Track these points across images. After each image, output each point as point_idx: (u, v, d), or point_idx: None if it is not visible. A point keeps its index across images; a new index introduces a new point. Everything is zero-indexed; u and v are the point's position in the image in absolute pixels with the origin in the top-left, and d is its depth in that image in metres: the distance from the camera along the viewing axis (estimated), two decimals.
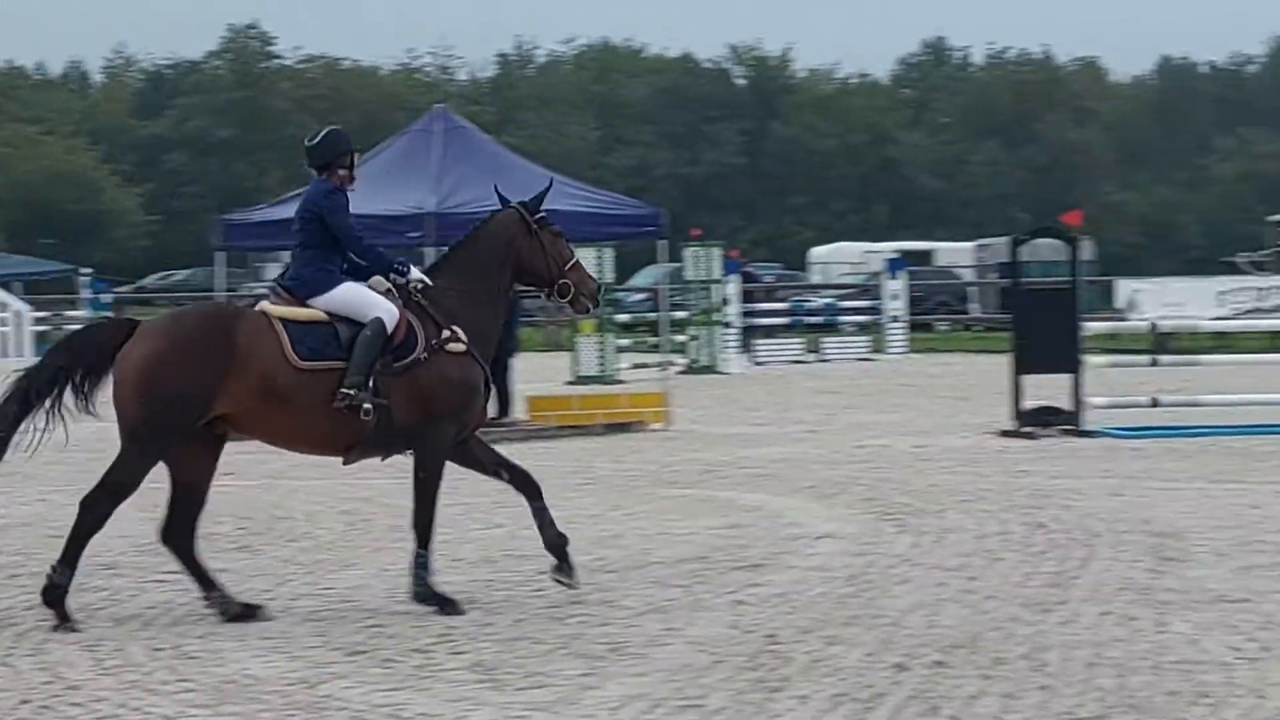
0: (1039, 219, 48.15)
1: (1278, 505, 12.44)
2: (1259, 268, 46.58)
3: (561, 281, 9.83)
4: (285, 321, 9.35)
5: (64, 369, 9.23)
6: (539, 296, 10.12)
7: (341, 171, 9.74)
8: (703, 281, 31.00)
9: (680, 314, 30.66)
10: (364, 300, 9.49)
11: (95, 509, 9.03)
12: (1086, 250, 30.80)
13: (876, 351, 35.82)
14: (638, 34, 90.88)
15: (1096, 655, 7.83)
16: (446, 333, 9.43)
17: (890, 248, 49.59)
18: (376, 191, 18.75)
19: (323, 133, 10.00)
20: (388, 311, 9.42)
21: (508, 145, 24.22)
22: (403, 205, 18.38)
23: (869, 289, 39.60)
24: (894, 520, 12.04)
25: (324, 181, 9.72)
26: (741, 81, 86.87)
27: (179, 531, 9.23)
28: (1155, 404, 18.31)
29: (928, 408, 22.26)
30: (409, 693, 7.47)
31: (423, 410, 9.35)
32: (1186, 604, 8.93)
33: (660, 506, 13.01)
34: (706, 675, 7.64)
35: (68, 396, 9.21)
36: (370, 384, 9.23)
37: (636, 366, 26.34)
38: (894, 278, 37.76)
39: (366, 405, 9.19)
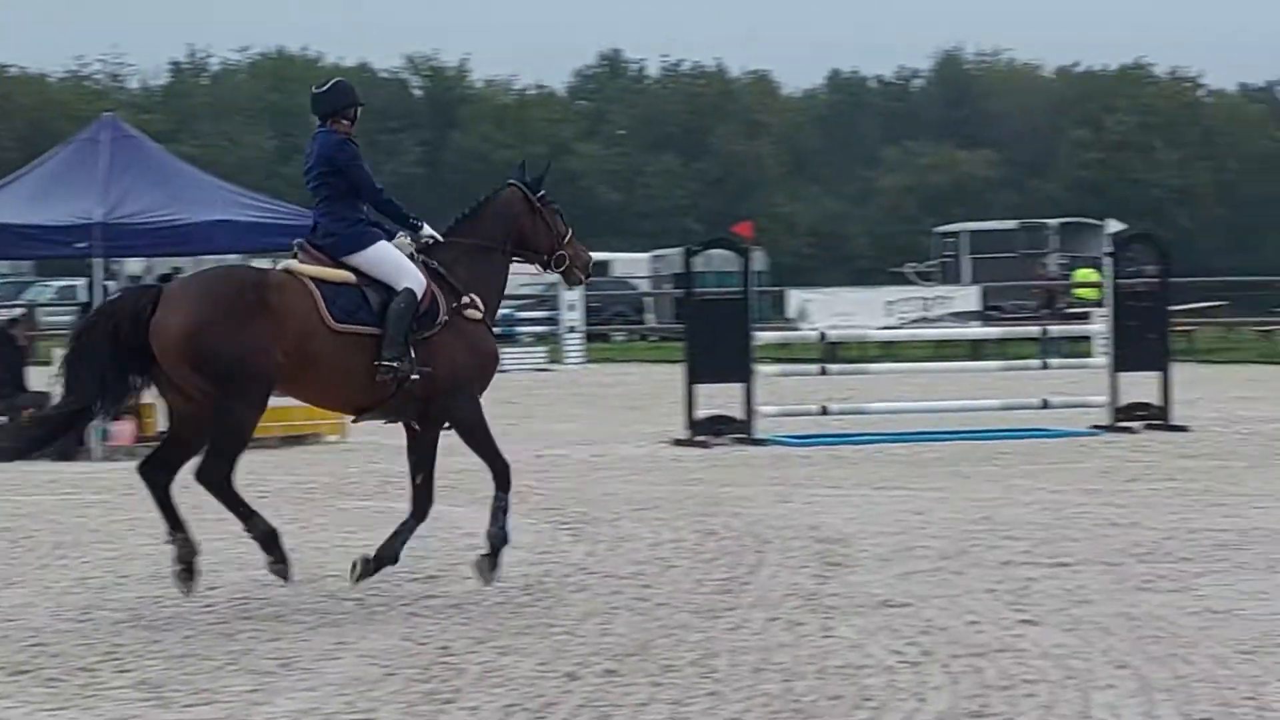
0: (712, 230, 48.89)
1: (940, 511, 12.80)
2: (925, 278, 47.90)
3: (559, 253, 10.38)
4: (317, 281, 9.52)
5: (110, 344, 9.25)
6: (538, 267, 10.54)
7: (345, 122, 9.92)
8: None
9: None
10: (397, 265, 9.71)
11: (212, 476, 9.27)
12: (758, 261, 31.40)
13: (554, 362, 36.02)
14: (314, 43, 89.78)
15: (764, 660, 7.98)
16: (465, 299, 9.80)
17: None
18: (42, 201, 18.35)
19: (331, 81, 10.23)
20: (417, 281, 9.66)
21: (181, 155, 23.79)
22: (69, 215, 18.00)
23: (546, 299, 39.78)
24: (570, 529, 12.13)
25: (331, 132, 9.87)
26: (419, 92, 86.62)
27: (161, 468, 9.39)
28: (824, 412, 18.68)
29: (604, 417, 22.46)
30: (74, 712, 7.33)
31: (443, 377, 9.63)
32: (851, 609, 9.14)
33: (337, 519, 12.92)
34: (378, 688, 7.61)
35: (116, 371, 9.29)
36: (411, 353, 9.51)
37: None
38: (570, 288, 37.95)
39: (414, 375, 9.50)
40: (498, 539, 9.77)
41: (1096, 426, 18.79)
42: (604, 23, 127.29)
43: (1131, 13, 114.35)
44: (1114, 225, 20.44)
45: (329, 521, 12.79)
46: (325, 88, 10.10)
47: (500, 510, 9.79)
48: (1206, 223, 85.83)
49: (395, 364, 9.45)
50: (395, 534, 9.78)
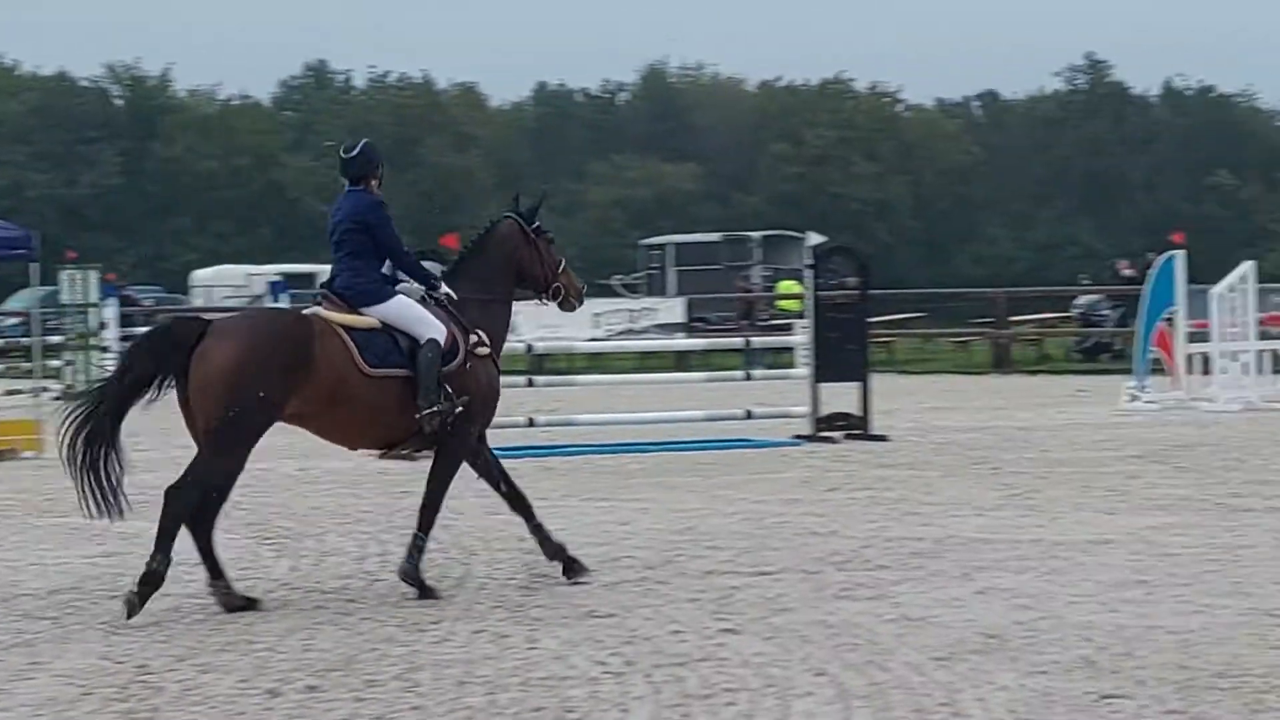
0: (423, 242, 48.70)
1: (645, 522, 12.92)
2: (631, 290, 48.26)
3: (555, 285, 10.98)
4: (348, 329, 10.04)
5: (152, 370, 9.71)
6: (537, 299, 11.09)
7: (374, 183, 10.48)
8: (79, 305, 30.13)
9: (56, 339, 29.77)
10: (416, 316, 10.26)
11: (180, 500, 9.52)
12: None
13: None
14: (10, 51, 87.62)
15: (467, 673, 7.98)
16: (474, 338, 10.36)
17: (274, 270, 49.35)
18: None
19: (359, 145, 10.62)
20: (438, 330, 10.19)
21: None
22: None
23: None
24: (273, 544, 12.00)
25: (365, 193, 10.42)
26: (120, 101, 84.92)
27: (201, 519, 9.73)
28: (531, 424, 18.73)
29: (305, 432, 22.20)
30: None
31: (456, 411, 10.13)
32: (557, 620, 9.19)
33: (34, 536, 12.62)
34: (73, 709, 7.46)
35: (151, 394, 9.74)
36: (447, 390, 10.09)
37: (9, 393, 25.42)
38: (276, 299, 37.55)
39: (456, 409, 10.08)
40: (410, 576, 10.05)
41: (798, 436, 19.12)
42: (308, 32, 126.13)
43: (832, 29, 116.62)
44: (814, 238, 20.71)
45: (25, 539, 12.48)
46: (355, 152, 10.54)
47: (417, 549, 10.11)
48: (904, 235, 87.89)
49: (437, 409, 10.03)
50: (541, 542, 10.46)
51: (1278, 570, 10.15)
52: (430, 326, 10.19)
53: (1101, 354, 36.66)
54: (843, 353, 19.46)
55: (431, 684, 7.79)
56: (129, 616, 9.25)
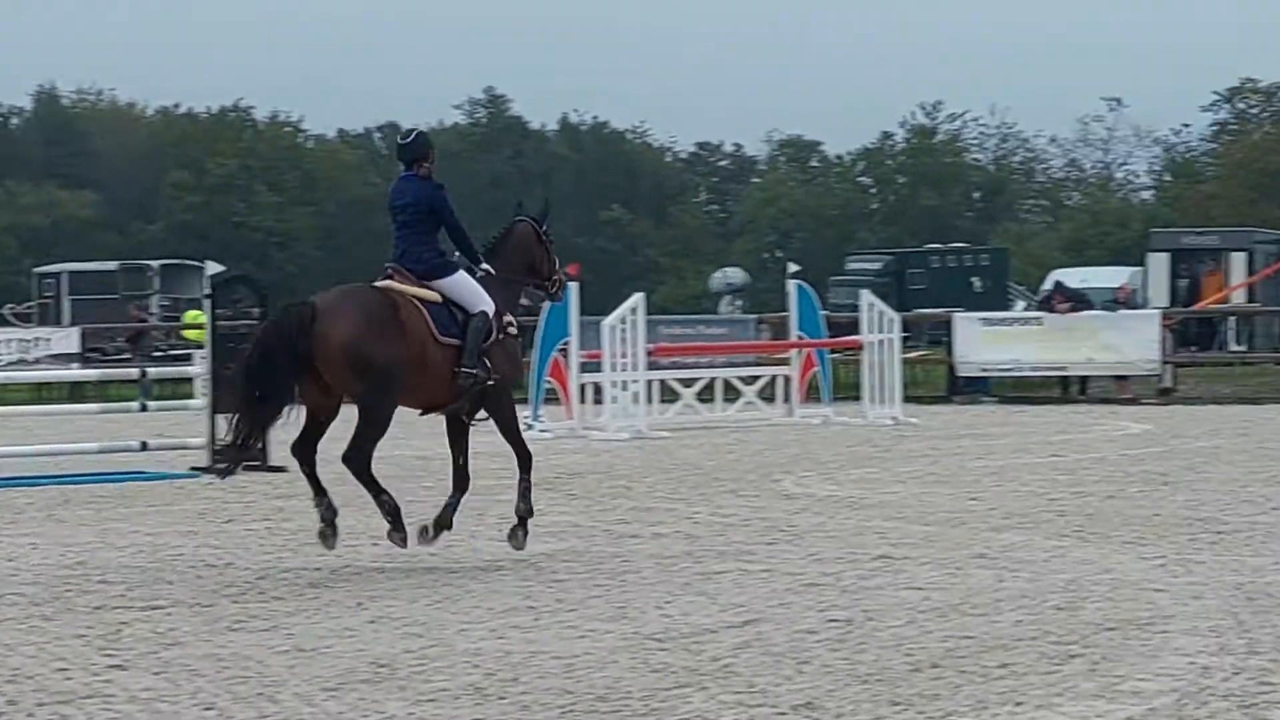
0: None
1: (33, 557, 12.56)
2: (23, 319, 46.75)
3: (556, 278, 12.76)
4: (420, 301, 11.68)
5: (286, 350, 11.24)
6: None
7: (427, 165, 12.05)
8: None
9: None
10: (474, 291, 11.95)
11: (358, 462, 11.58)
12: None
13: None
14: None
15: None
16: (507, 319, 12.09)
17: None
18: None
19: (414, 133, 12.64)
20: (489, 304, 11.92)
21: None
22: None
23: None
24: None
25: (428, 179, 12.01)
26: None
27: (306, 446, 11.68)
28: None
29: None
30: None
31: (495, 380, 11.88)
32: None
33: None
34: None
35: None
36: (486, 362, 11.81)
37: None
38: None
39: (489, 381, 11.81)
40: (525, 512, 12.08)
41: (195, 468, 18.87)
42: None
43: (231, 57, 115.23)
44: (213, 267, 20.48)
45: None
46: (410, 139, 12.35)
47: (526, 489, 12.07)
48: (308, 266, 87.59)
49: (474, 372, 11.70)
50: (448, 505, 12.01)
51: (659, 595, 10.55)
52: (483, 300, 11.94)
53: None
54: None
55: None
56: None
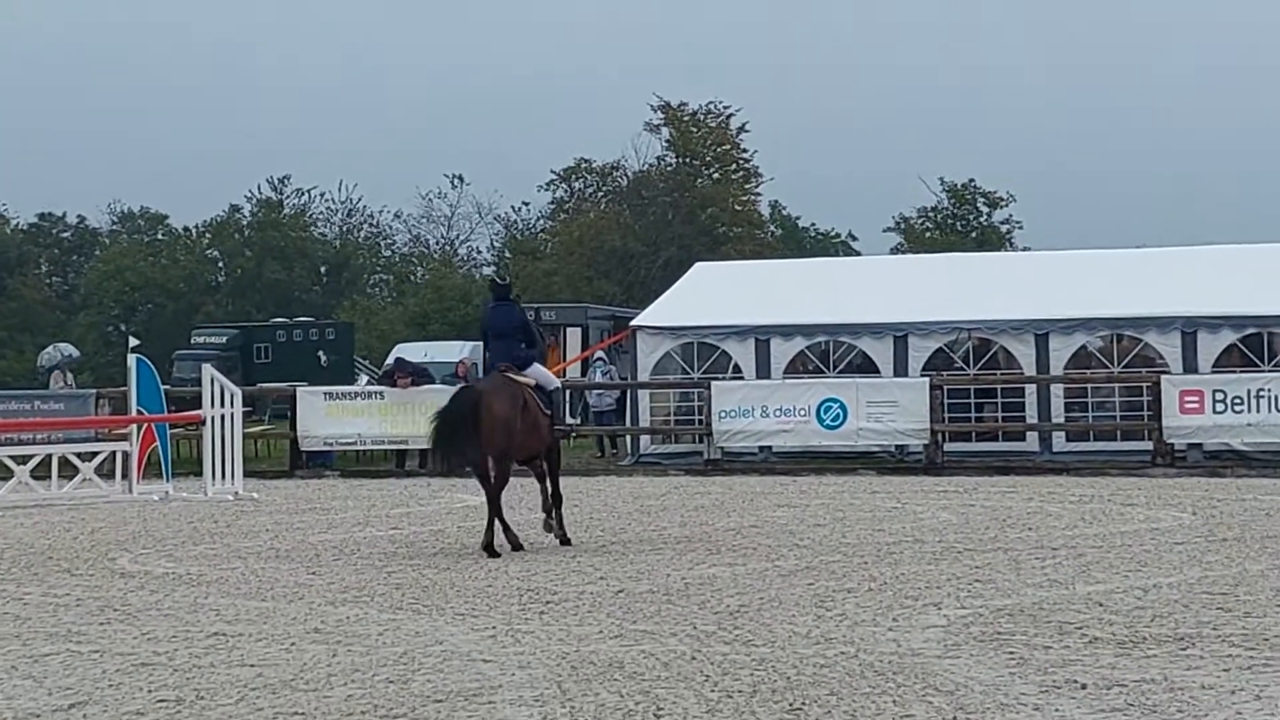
0: None
1: None
2: None
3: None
4: (529, 387, 17.71)
5: (470, 420, 17.15)
6: None
7: (512, 297, 18.61)
8: None
9: None
10: (547, 375, 18.63)
11: (496, 494, 17.36)
12: None
13: None
14: None
15: None
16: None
17: None
18: None
19: (506, 277, 19.16)
20: (557, 382, 18.98)
21: None
22: None
23: None
24: None
25: (515, 305, 18.51)
26: None
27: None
28: None
29: None
30: None
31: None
32: None
33: None
34: None
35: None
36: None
37: None
38: None
39: (573, 433, 20.00)
40: (562, 534, 18.01)
41: None
42: None
43: None
44: None
45: None
46: (505, 282, 18.72)
47: (560, 518, 18.16)
48: None
49: (568, 428, 18.22)
50: (555, 517, 18.05)
51: None
52: (553, 381, 18.62)
53: None
54: None
55: None
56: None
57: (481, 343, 19.41)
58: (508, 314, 18.08)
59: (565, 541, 17.81)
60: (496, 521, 17.24)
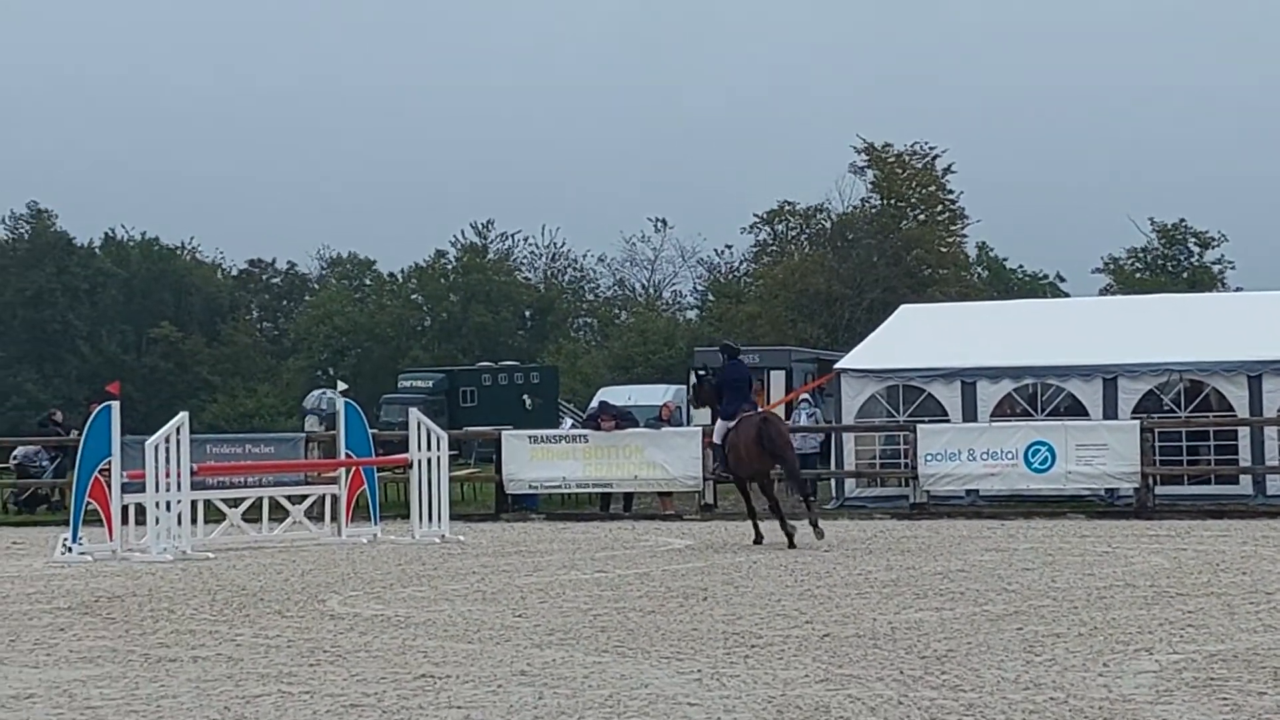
0: None
1: None
2: None
3: None
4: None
5: (770, 436, 23.83)
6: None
7: (741, 356, 24.87)
8: None
9: None
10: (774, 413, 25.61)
11: (774, 497, 24.92)
12: None
13: None
14: None
15: None
16: None
17: None
18: None
19: (738, 344, 25.54)
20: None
21: None
22: None
23: None
24: None
25: (741, 362, 24.61)
26: None
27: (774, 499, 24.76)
28: None
29: None
30: None
31: None
32: None
33: None
34: None
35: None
36: None
37: None
38: None
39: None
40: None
41: None
42: None
43: None
44: None
45: None
46: (739, 348, 24.90)
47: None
48: None
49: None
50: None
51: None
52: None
53: (39, 505, 36.31)
54: None
55: None
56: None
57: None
58: (740, 370, 24.45)
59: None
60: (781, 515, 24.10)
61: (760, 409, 24.54)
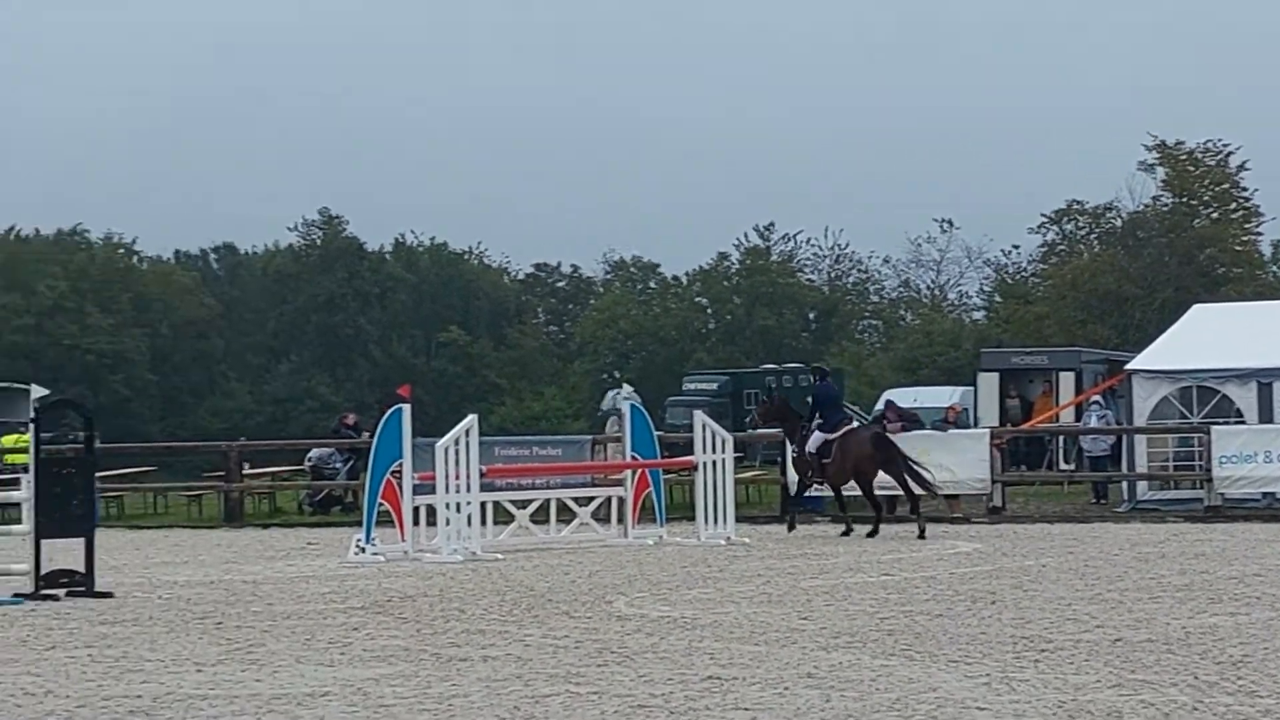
0: None
1: None
2: None
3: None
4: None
5: (887, 448, 27.87)
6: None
7: (830, 378, 29.58)
8: None
9: None
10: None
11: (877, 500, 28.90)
12: None
13: None
14: None
15: None
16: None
17: None
18: None
19: (829, 367, 32.67)
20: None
21: None
22: None
23: None
24: None
25: (831, 384, 29.16)
26: None
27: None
28: None
29: None
30: None
31: None
32: None
33: None
34: None
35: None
36: None
37: None
38: None
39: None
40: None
41: (19, 595, 18.52)
42: None
43: (55, 177, 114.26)
44: (38, 391, 20.23)
45: None
46: (829, 370, 30.76)
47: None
48: (141, 388, 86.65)
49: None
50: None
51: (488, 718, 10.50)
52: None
53: (333, 506, 37.12)
54: (67, 508, 19.02)
55: None
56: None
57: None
58: (831, 389, 29.10)
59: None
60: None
61: (854, 423, 29.22)
